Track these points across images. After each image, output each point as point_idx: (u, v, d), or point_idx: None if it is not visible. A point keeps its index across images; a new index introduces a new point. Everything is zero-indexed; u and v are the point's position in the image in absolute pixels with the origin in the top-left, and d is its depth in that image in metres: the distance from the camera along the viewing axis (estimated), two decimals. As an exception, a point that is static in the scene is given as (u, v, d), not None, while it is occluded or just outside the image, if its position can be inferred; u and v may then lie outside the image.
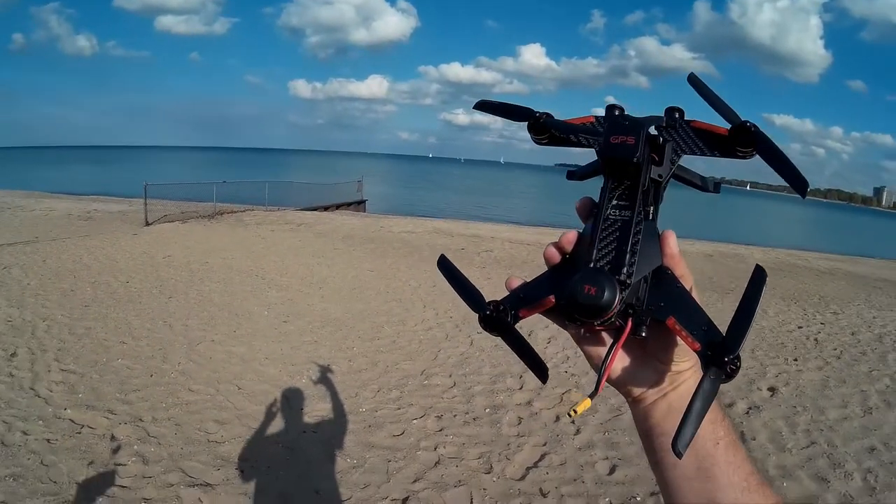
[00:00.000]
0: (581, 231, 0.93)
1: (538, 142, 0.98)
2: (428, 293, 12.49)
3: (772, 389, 8.16)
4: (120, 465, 5.26)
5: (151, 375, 7.39)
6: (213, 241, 17.85)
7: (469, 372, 8.07)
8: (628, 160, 0.83)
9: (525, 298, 0.90)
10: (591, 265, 0.82)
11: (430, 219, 31.49)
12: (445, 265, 1.03)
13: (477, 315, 0.90)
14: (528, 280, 0.93)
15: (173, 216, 23.00)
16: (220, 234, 19.63)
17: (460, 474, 5.49)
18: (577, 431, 6.51)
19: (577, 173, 1.02)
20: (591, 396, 0.85)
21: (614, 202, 0.87)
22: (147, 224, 20.98)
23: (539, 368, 0.94)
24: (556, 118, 0.97)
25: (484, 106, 1.03)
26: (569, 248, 0.92)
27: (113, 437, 5.72)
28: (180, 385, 7.13)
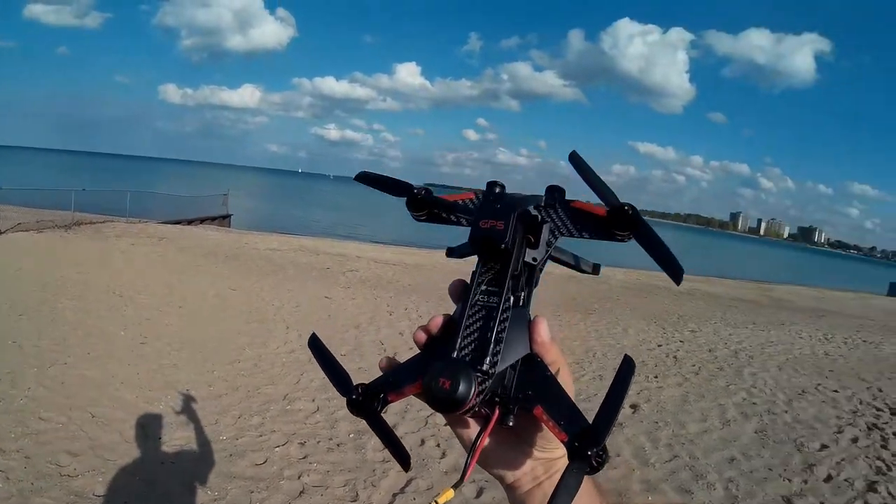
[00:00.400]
0: (452, 313, 0.91)
1: (417, 218, 0.98)
2: (291, 314, 12.45)
3: (633, 407, 8.65)
4: (-38, 502, 5.06)
5: (-1, 401, 7.09)
6: (69, 254, 17.11)
7: (332, 396, 8.02)
8: (496, 246, 0.83)
9: (394, 383, 0.89)
10: (454, 354, 0.82)
11: (295, 236, 31.21)
12: (316, 345, 1.00)
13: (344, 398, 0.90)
14: (401, 362, 0.92)
15: (28, 225, 21.84)
16: (77, 245, 18.82)
17: (326, 503, 5.55)
18: (444, 455, 6.69)
19: (455, 251, 1.01)
20: (455, 487, 0.84)
21: (483, 287, 0.87)
22: (-1, 233, 19.93)
23: (401, 456, 0.93)
24: (434, 195, 0.97)
25: (366, 178, 1.04)
26: (436, 331, 0.90)
27: (-45, 471, 5.48)
28: (30, 412, 6.85)
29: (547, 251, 0.89)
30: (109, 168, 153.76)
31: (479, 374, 0.78)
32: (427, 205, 0.96)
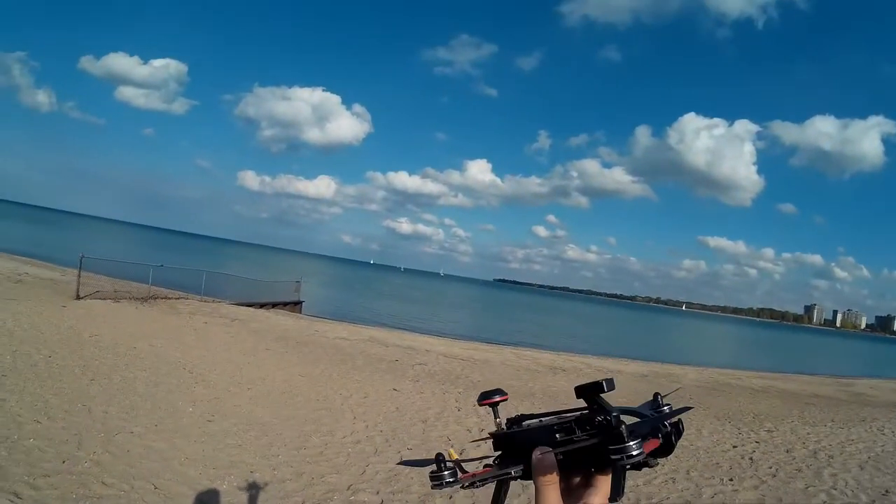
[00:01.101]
0: None
1: None
2: (359, 404, 12.20)
3: (709, 511, 8.08)
4: (20, 559, 4.89)
5: (64, 461, 7.01)
6: (143, 326, 17.38)
7: (397, 490, 7.77)
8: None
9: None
10: None
11: (365, 326, 31.17)
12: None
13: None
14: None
15: (106, 293, 22.47)
16: (151, 319, 19.14)
17: None
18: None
19: None
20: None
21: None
22: (78, 297, 20.47)
23: None
24: None
25: None
26: None
27: (15, 527, 5.34)
28: (93, 476, 6.75)
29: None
30: (186, 246, 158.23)
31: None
32: None
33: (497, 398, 1.25)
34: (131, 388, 10.72)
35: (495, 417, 1.23)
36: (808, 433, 13.97)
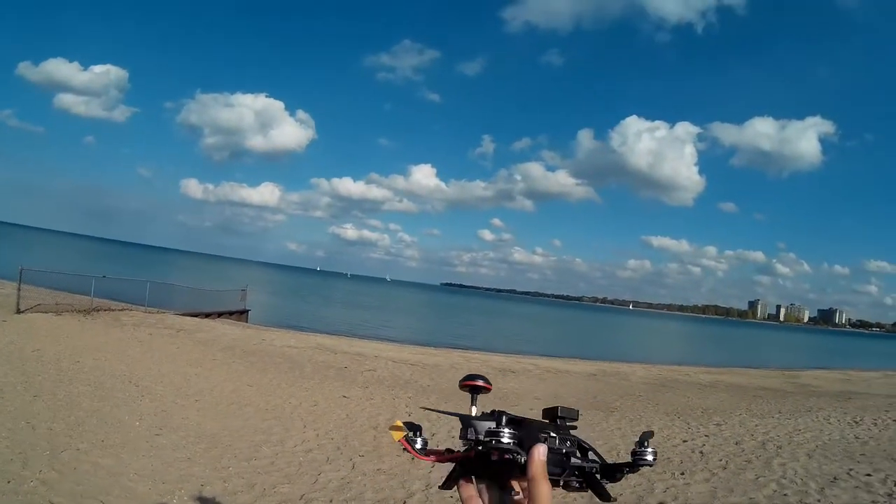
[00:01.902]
0: None
1: None
2: (309, 412, 12.17)
3: (661, 505, 8.19)
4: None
5: (9, 481, 6.88)
6: (87, 339, 17.09)
7: (351, 497, 7.76)
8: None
9: None
10: None
11: (313, 334, 31.05)
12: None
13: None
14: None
15: (47, 307, 22.01)
16: (95, 332, 18.81)
17: None
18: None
19: None
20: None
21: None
22: (18, 311, 20.03)
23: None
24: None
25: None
26: None
27: (-40, 552, 5.24)
28: (40, 496, 6.63)
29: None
30: (130, 256, 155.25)
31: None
32: None
33: (481, 383, 1.26)
34: (76, 403, 10.54)
35: (472, 405, 1.25)
36: (757, 425, 14.30)
